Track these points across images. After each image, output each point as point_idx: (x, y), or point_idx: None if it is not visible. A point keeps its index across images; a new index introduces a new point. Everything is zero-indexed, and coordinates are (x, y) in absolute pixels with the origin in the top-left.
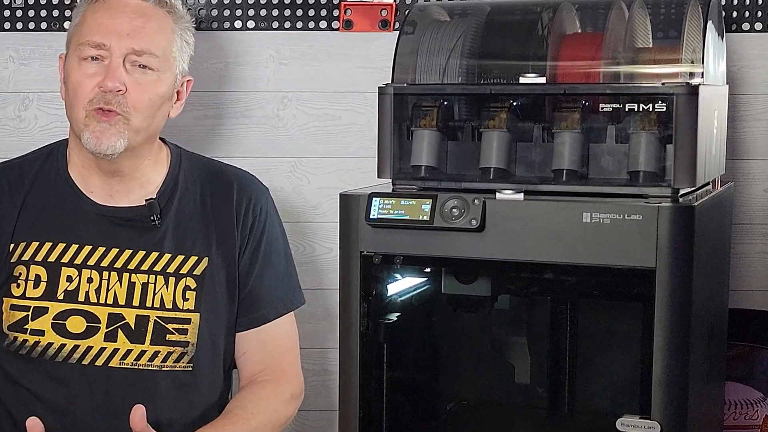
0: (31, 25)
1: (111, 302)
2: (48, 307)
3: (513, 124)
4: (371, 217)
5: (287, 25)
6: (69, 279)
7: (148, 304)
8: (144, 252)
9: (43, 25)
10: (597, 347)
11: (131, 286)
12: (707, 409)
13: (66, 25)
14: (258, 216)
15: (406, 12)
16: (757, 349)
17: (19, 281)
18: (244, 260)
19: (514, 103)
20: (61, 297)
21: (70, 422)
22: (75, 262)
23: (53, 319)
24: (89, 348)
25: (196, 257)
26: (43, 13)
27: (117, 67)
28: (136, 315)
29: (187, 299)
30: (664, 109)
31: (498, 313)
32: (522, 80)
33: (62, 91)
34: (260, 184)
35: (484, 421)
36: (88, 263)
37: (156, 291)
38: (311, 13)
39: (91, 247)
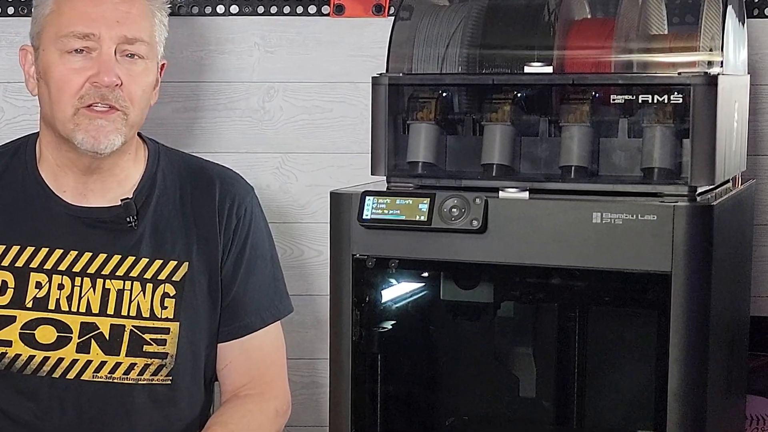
0: None
1: (84, 310)
2: (15, 316)
3: (517, 117)
4: (364, 217)
5: (273, 9)
6: (38, 285)
7: (124, 312)
8: (119, 256)
9: (10, 10)
10: (608, 358)
11: (105, 293)
12: (727, 424)
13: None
14: (242, 217)
15: None
16: None
17: None
18: (227, 265)
19: (519, 95)
20: (29, 305)
21: None
22: (45, 267)
23: (21, 328)
24: (60, 360)
25: (176, 262)
26: None
27: (111, 59)
28: (111, 324)
29: (166, 307)
30: (681, 100)
31: (501, 321)
32: (527, 70)
33: (30, 86)
34: (244, 182)
35: None
36: (58, 268)
37: (132, 298)
38: None
39: (62, 250)
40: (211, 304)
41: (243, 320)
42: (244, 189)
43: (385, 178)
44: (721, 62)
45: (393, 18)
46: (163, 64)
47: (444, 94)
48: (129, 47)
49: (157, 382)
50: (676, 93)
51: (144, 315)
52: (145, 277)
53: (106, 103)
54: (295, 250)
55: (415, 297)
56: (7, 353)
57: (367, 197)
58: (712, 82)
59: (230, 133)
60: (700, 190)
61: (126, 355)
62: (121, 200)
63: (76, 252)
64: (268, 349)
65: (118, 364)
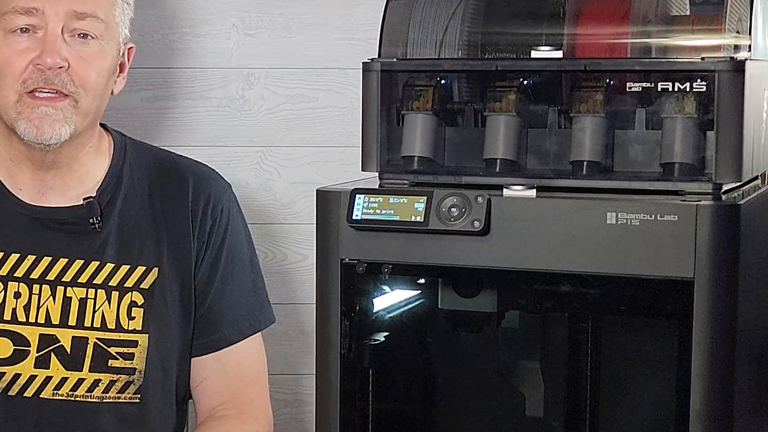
0: None
1: (43, 321)
2: None
3: (523, 106)
4: (354, 217)
5: None
6: None
7: (87, 323)
8: (82, 261)
9: None
10: (623, 373)
11: (67, 302)
12: None
13: None
14: (218, 217)
15: None
16: None
17: None
18: (202, 271)
19: (525, 82)
20: None
21: None
22: None
23: None
24: (17, 376)
25: (144, 267)
26: None
27: (56, 39)
28: (73, 337)
29: (134, 318)
30: (704, 88)
31: (506, 332)
32: (534, 54)
33: None
34: (221, 179)
35: None
36: (14, 275)
37: (96, 308)
38: None
39: (18, 255)
40: (184, 314)
41: (219, 332)
42: (221, 186)
43: (377, 174)
44: (749, 46)
45: None
46: (130, 48)
47: (442, 82)
48: (80, 25)
49: (124, 400)
50: (699, 80)
51: (109, 326)
52: (110, 284)
53: (52, 89)
54: (278, 254)
55: (410, 306)
56: None
57: (357, 195)
58: (738, 68)
59: (205, 125)
60: (725, 187)
61: (89, 371)
62: (84, 199)
63: (34, 257)
64: (248, 364)
65: (80, 381)
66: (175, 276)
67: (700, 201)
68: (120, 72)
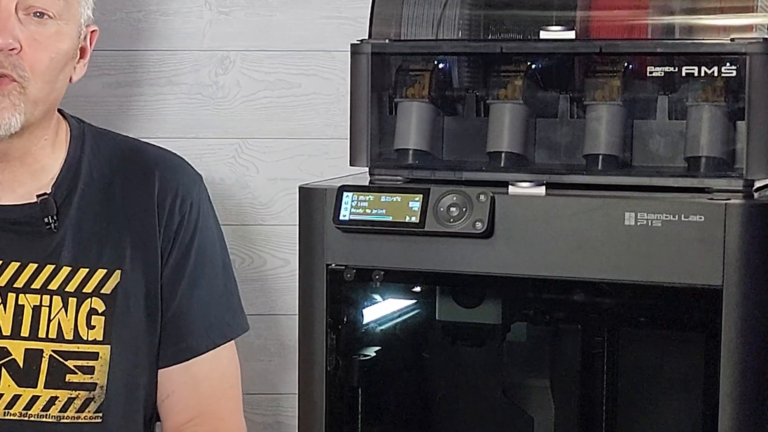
0: None
1: None
2: None
3: (531, 93)
4: (341, 218)
5: None
6: None
7: (42, 334)
8: (35, 265)
9: None
10: (644, 393)
11: (18, 310)
12: None
13: None
14: (187, 213)
15: None
16: None
17: None
18: (168, 272)
19: (533, 66)
20: None
21: None
22: None
23: None
24: None
25: (105, 270)
26: None
27: (9, 17)
28: (26, 349)
29: (94, 327)
30: (734, 73)
31: (512, 346)
32: (543, 35)
33: None
34: (191, 169)
35: None
36: None
37: (51, 317)
38: None
39: None
40: (151, 321)
41: (187, 341)
42: (190, 178)
43: (367, 169)
44: None
45: None
46: (93, 32)
47: (440, 66)
48: (36, 2)
49: (84, 420)
50: (728, 64)
51: (66, 337)
52: (67, 290)
53: (1, 71)
54: (256, 258)
55: (404, 317)
56: None
57: (345, 193)
58: None
59: (174, 114)
60: (758, 184)
61: (45, 387)
62: (37, 196)
63: None
64: (219, 377)
65: (35, 398)
66: (140, 279)
67: (729, 199)
68: (81, 57)
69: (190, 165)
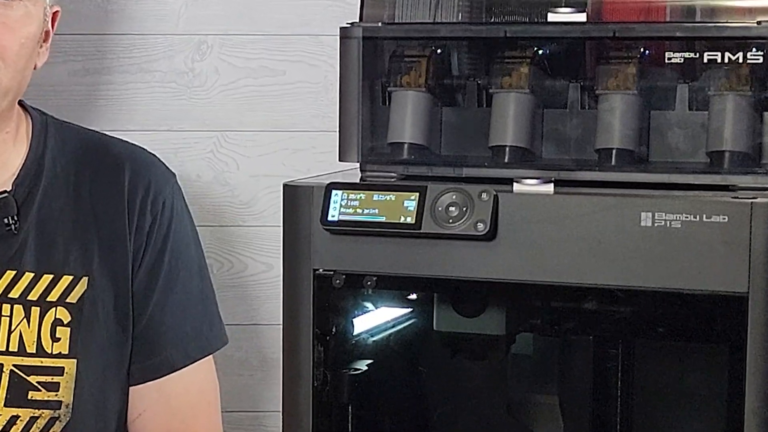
0: None
1: None
2: None
3: (538, 82)
4: (330, 218)
5: None
6: None
7: (1, 347)
8: None
9: None
10: (661, 410)
11: None
12: None
13: None
14: (160, 213)
15: None
16: None
17: None
18: (140, 278)
19: (540, 52)
20: None
21: None
22: None
23: None
24: None
25: (71, 277)
26: None
27: None
28: None
29: (59, 339)
30: (761, 59)
31: (517, 360)
32: (552, 18)
33: None
34: (164, 166)
35: None
36: None
37: (12, 328)
38: None
39: None
40: (121, 333)
41: (160, 355)
42: (163, 175)
43: (358, 165)
44: None
45: None
46: (55, 12)
47: (439, 52)
48: None
49: None
50: (754, 49)
51: (29, 350)
52: (29, 298)
53: None
54: (236, 263)
55: (399, 328)
56: None
57: (334, 191)
58: None
59: (147, 105)
60: None
61: (5, 405)
62: None
63: None
64: (195, 394)
65: None
66: (109, 287)
67: (755, 198)
68: (44, 41)
69: (162, 162)
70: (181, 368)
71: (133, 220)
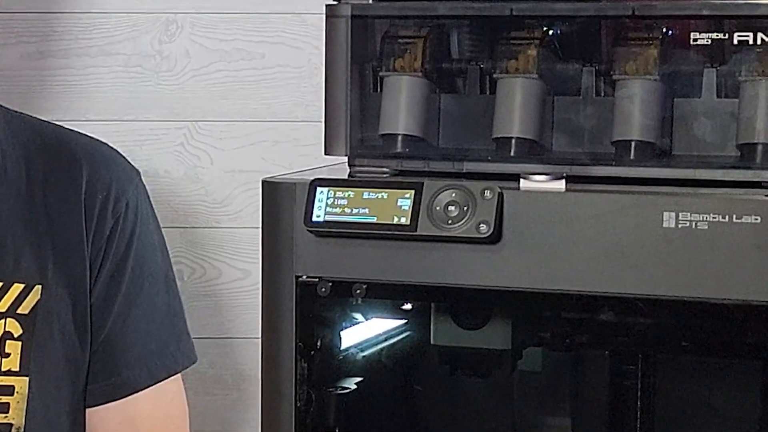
0: None
1: None
2: None
3: (548, 66)
4: (315, 219)
5: None
6: None
7: None
8: None
9: None
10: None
11: None
12: None
13: None
14: (122, 217)
15: None
16: None
17: None
18: (99, 288)
19: (551, 32)
20: None
21: None
22: None
23: None
24: None
25: (23, 285)
26: None
27: None
28: None
29: (8, 355)
30: None
31: (524, 377)
32: None
33: None
34: (127, 163)
35: None
36: None
37: None
38: None
39: None
40: (79, 348)
41: (122, 374)
42: (126, 174)
43: (346, 159)
44: None
45: None
46: None
47: (436, 32)
48: None
49: None
50: None
51: None
52: None
53: None
54: (209, 269)
55: (392, 341)
56: None
57: (320, 189)
58: None
59: (109, 92)
60: None
61: None
62: None
63: None
64: (162, 418)
65: None
66: (65, 297)
67: None
68: None
69: (125, 158)
70: (145, 388)
71: (91, 223)
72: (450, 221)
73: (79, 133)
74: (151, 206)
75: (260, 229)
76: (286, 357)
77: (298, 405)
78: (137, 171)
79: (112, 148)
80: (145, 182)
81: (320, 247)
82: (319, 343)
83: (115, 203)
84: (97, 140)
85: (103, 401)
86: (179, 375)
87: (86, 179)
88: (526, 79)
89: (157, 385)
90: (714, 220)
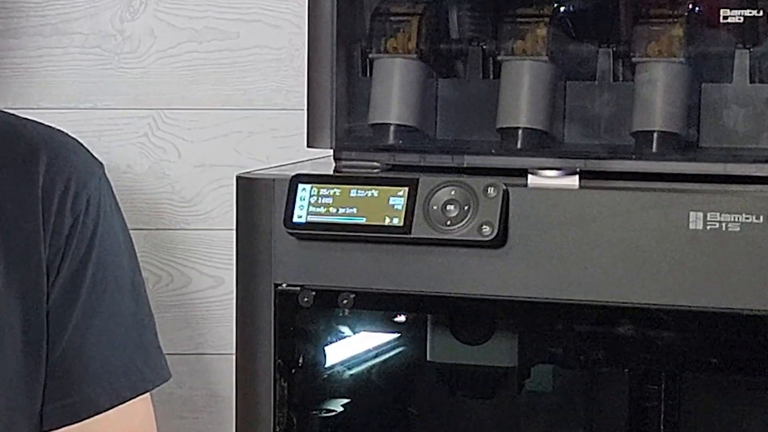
0: None
1: None
2: None
3: (559, 47)
4: (296, 220)
5: None
6: None
7: None
8: None
9: None
10: None
11: None
12: None
13: None
14: (83, 214)
15: None
16: None
17: None
18: (56, 296)
19: (562, 8)
20: None
21: None
22: None
23: None
24: None
25: None
26: None
27: None
28: None
29: None
30: None
31: (533, 398)
32: None
33: None
34: (88, 155)
35: None
36: None
37: None
38: None
39: None
40: (32, 364)
41: (81, 393)
42: (87, 166)
43: (331, 152)
44: None
45: None
46: None
47: (433, 9)
48: None
49: None
50: None
51: None
52: None
53: None
54: (177, 276)
55: (383, 358)
56: None
57: (301, 186)
58: None
59: (64, 76)
60: None
61: None
62: None
63: None
64: None
65: None
66: (17, 305)
67: None
68: None
69: (86, 149)
70: (108, 409)
71: (48, 221)
72: (448, 222)
73: (34, 121)
74: (117, 203)
75: (234, 231)
76: (264, 375)
77: (278, 429)
78: (100, 163)
79: (72, 137)
80: (111, 178)
81: (302, 251)
82: (300, 360)
83: (75, 199)
84: (56, 129)
85: (60, 423)
86: (148, 394)
87: (43, 173)
88: (534, 61)
89: (122, 405)
90: (747, 221)
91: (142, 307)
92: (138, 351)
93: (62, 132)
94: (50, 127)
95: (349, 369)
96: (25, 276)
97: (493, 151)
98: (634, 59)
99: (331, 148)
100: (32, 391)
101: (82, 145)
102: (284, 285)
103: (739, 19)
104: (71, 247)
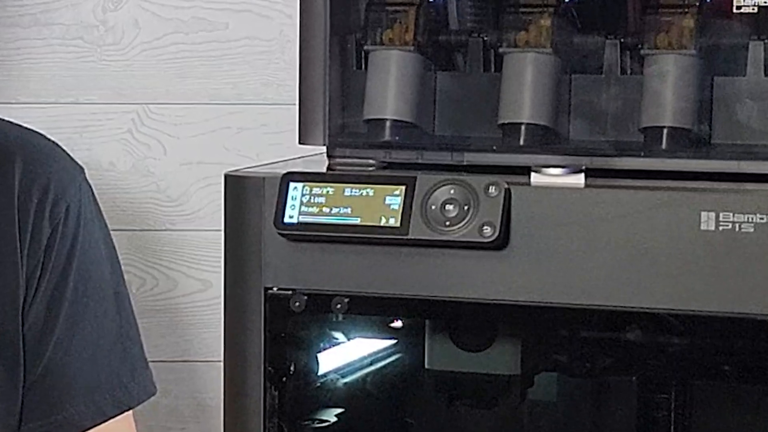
0: None
1: None
2: None
3: (564, 39)
4: (287, 220)
5: None
6: None
7: None
8: None
9: None
10: None
11: None
12: None
13: None
14: (62, 223)
15: None
16: None
17: None
18: (35, 311)
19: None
20: None
21: None
22: None
23: None
24: None
25: None
26: None
27: None
28: None
29: None
30: None
31: (536, 408)
32: None
33: None
34: (68, 159)
35: None
36: None
37: None
38: None
39: None
40: (9, 382)
41: (63, 411)
42: (67, 172)
43: (324, 149)
44: None
45: None
46: None
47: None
48: None
49: None
50: None
51: None
52: None
53: None
54: (162, 279)
55: (379, 365)
56: None
57: (293, 184)
58: None
59: (44, 69)
60: None
61: None
62: None
63: None
64: None
65: None
66: None
67: None
68: None
69: (65, 152)
70: (91, 428)
71: (25, 231)
72: (448, 223)
73: (9, 122)
74: (98, 209)
75: (223, 232)
76: (254, 384)
77: None
78: (81, 168)
79: (49, 140)
80: (90, 180)
81: (294, 253)
82: (292, 368)
83: (54, 206)
84: (32, 131)
85: None
86: (130, 413)
87: (19, 179)
88: (538, 53)
89: (107, 423)
90: (761, 221)
91: (127, 318)
92: (123, 365)
93: (39, 134)
94: (27, 128)
95: (343, 377)
96: (2, 291)
97: (494, 147)
98: (642, 51)
99: (324, 144)
100: (10, 410)
101: (60, 148)
102: (275, 289)
103: (753, 9)
104: (50, 259)
